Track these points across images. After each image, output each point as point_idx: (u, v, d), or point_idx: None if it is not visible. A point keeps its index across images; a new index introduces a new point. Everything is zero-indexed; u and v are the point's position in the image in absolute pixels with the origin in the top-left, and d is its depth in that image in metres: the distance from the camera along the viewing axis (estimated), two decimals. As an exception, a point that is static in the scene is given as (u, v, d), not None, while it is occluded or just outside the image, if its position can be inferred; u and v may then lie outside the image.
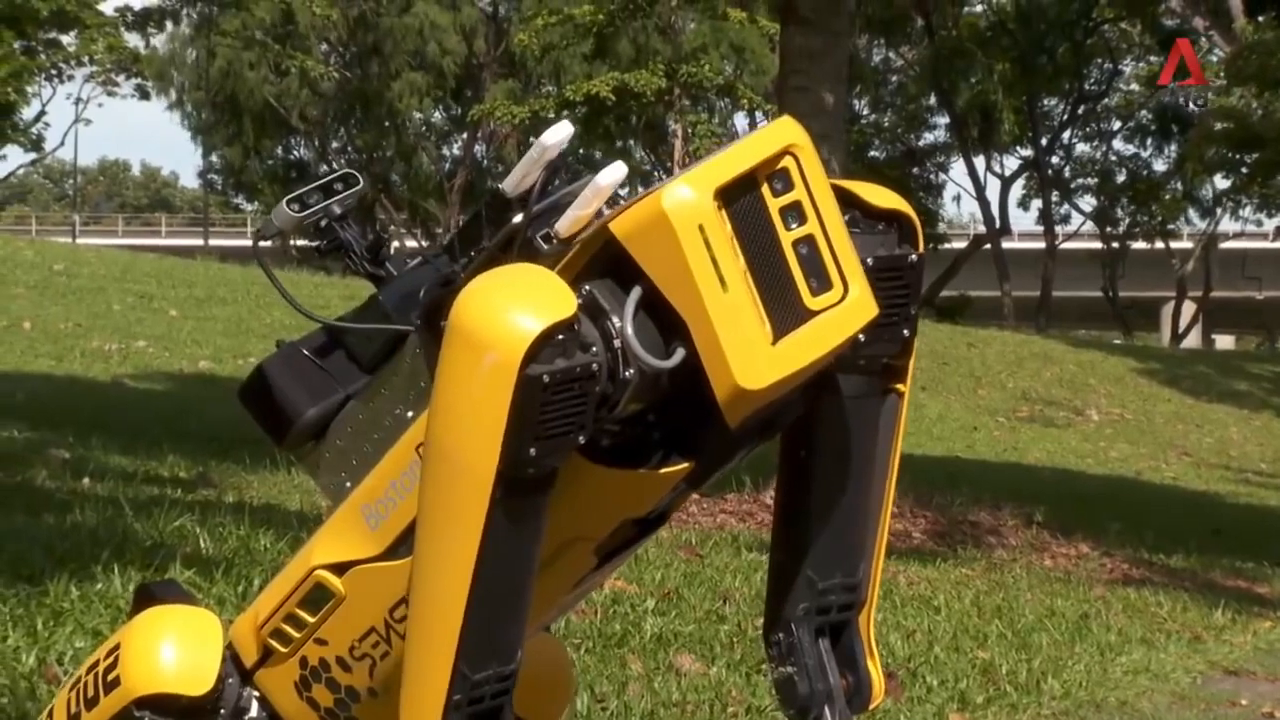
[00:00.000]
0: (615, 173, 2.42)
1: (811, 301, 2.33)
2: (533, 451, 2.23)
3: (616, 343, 2.27)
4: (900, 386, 2.58)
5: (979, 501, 14.76)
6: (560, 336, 2.21)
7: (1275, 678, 8.86)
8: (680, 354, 2.27)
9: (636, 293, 2.28)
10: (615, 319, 2.27)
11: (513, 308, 2.21)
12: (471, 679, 2.30)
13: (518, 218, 2.47)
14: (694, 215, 2.25)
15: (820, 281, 2.33)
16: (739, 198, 2.30)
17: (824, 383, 2.40)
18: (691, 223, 2.25)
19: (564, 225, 2.40)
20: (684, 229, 2.24)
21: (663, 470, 2.39)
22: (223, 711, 2.60)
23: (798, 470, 2.59)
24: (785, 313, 2.31)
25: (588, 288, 2.27)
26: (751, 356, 2.27)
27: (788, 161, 2.34)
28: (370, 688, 2.51)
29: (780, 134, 2.36)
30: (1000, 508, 14.59)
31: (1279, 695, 8.30)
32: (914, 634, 8.00)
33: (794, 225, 2.33)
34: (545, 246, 2.41)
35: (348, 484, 2.54)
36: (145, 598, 2.74)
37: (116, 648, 2.63)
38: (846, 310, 2.35)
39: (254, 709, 2.60)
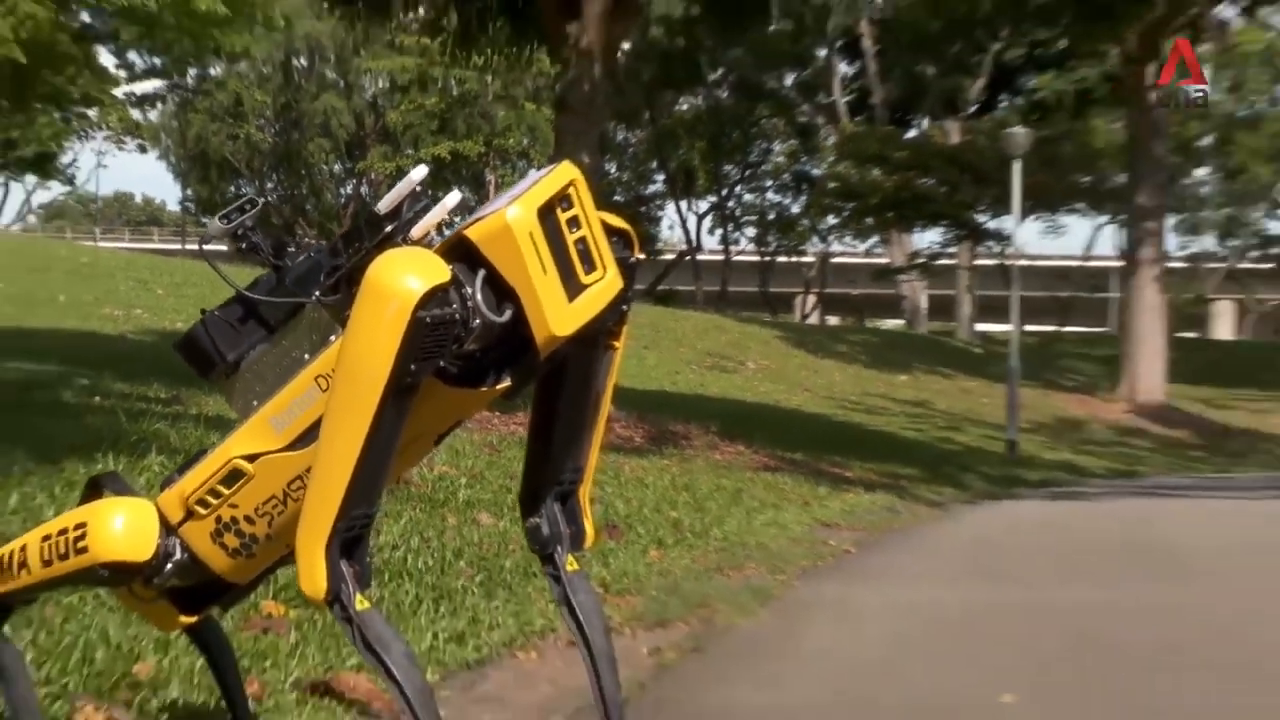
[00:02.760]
0: (455, 197, 2.47)
1: (585, 279, 2.37)
2: (412, 368, 2.25)
3: (469, 303, 2.28)
4: (616, 345, 2.60)
5: (677, 418, 14.88)
6: (438, 294, 2.24)
7: (854, 528, 9.03)
8: (509, 313, 2.30)
9: (482, 273, 2.30)
10: (468, 288, 2.28)
11: (410, 273, 2.24)
12: (350, 515, 2.31)
13: (389, 226, 2.44)
14: (527, 226, 2.29)
15: (589, 266, 2.38)
16: (547, 213, 2.32)
17: (576, 336, 2.40)
18: (526, 231, 2.29)
19: (417, 231, 2.42)
20: (521, 236, 2.28)
21: (498, 387, 2.41)
22: (154, 560, 2.55)
23: (551, 394, 2.59)
24: (573, 286, 2.34)
25: (450, 267, 2.28)
26: (560, 314, 2.32)
27: (571, 189, 2.38)
28: (268, 534, 2.48)
29: (566, 173, 2.39)
30: (689, 422, 14.70)
31: (856, 539, 8.46)
32: (631, 501, 8.04)
33: (575, 230, 2.37)
34: (404, 246, 2.42)
35: (254, 404, 2.51)
36: (94, 485, 2.70)
37: (83, 525, 2.56)
38: (606, 284, 2.40)
39: (178, 552, 2.56)
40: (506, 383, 2.41)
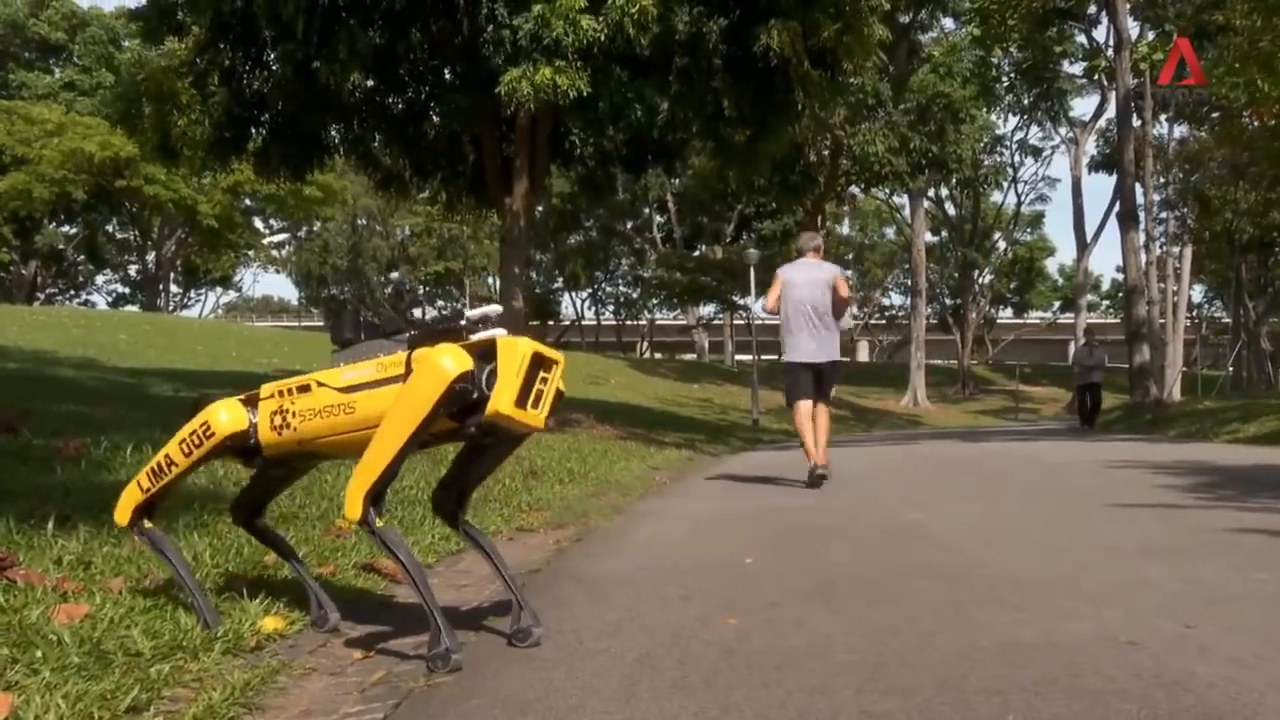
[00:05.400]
0: (491, 315, 2.39)
1: (527, 408, 2.29)
2: (440, 411, 2.21)
3: (481, 382, 2.24)
4: (516, 448, 2.60)
5: (573, 411, 14.36)
6: (467, 376, 2.22)
7: (669, 469, 8.82)
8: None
9: (491, 366, 2.26)
10: (481, 375, 2.24)
11: (451, 362, 2.21)
12: (382, 484, 2.25)
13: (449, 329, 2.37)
14: (526, 354, 2.26)
15: (535, 405, 2.30)
16: (536, 362, 2.29)
17: (497, 427, 2.32)
18: (525, 354, 2.26)
19: (475, 337, 2.34)
20: (522, 355, 2.26)
21: (469, 430, 2.31)
22: (249, 428, 2.44)
23: (471, 449, 2.52)
24: (520, 402, 2.27)
25: (473, 360, 2.24)
26: (503, 403, 2.24)
27: (555, 367, 2.34)
28: (296, 427, 2.40)
29: (559, 357, 2.36)
30: (579, 413, 14.27)
31: (670, 475, 8.23)
32: (546, 458, 7.89)
33: (543, 383, 2.31)
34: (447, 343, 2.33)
35: (341, 364, 2.42)
36: (195, 406, 2.54)
37: (206, 421, 2.45)
38: (531, 419, 2.29)
39: (255, 419, 2.46)
40: (472, 430, 2.34)
